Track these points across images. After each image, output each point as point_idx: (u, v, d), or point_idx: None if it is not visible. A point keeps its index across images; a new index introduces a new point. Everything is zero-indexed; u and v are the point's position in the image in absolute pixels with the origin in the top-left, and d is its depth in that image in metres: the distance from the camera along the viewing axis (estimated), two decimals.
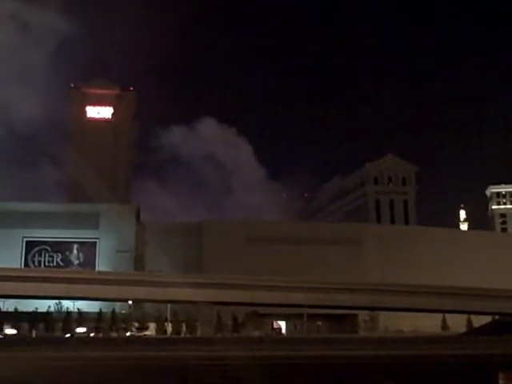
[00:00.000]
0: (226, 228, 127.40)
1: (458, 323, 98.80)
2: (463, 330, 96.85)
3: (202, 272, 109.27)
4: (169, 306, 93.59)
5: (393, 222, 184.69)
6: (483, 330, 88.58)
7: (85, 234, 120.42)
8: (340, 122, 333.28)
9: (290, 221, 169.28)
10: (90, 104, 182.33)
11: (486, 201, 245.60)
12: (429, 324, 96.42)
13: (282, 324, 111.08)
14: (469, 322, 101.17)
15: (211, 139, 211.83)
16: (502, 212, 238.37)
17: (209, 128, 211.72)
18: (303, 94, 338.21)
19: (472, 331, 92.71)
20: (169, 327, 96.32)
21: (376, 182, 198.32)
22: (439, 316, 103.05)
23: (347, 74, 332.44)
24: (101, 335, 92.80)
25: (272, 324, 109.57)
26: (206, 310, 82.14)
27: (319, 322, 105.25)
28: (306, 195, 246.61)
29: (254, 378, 35.16)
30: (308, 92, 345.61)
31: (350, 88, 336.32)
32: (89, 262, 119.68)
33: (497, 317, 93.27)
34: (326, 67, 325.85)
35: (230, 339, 69.85)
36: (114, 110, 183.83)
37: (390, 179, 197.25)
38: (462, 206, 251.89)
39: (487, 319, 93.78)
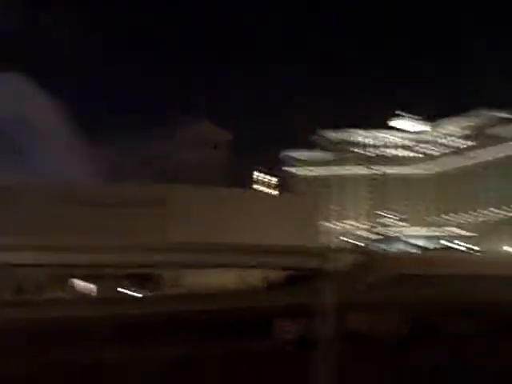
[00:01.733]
0: (40, 190, 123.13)
1: (254, 277, 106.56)
2: (259, 284, 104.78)
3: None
4: None
5: (201, 184, 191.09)
6: (277, 283, 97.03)
7: None
8: (153, 85, 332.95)
9: (102, 183, 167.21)
10: None
11: (283, 164, 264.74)
12: (228, 279, 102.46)
13: (89, 285, 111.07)
14: (264, 276, 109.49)
15: (20, 97, 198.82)
16: (298, 175, 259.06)
17: (19, 85, 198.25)
18: (113, 53, 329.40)
19: (266, 285, 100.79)
20: None
21: (188, 146, 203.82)
22: (239, 271, 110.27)
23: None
24: None
25: (74, 285, 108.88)
26: (5, 272, 79.83)
27: (127, 282, 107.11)
28: (120, 158, 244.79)
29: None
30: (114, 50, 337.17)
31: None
32: None
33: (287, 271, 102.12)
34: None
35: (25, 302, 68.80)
36: None
37: (201, 144, 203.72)
38: (262, 168, 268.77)
39: (280, 273, 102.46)
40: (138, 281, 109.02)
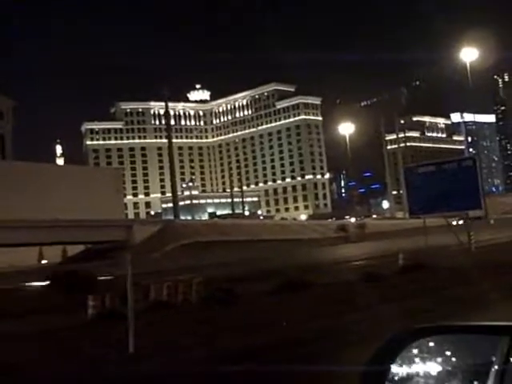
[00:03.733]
0: None
1: (54, 254, 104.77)
2: (59, 260, 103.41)
3: None
4: None
5: None
6: (77, 258, 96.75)
7: None
8: None
9: None
10: None
11: (81, 137, 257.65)
12: (26, 258, 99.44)
13: None
14: (64, 252, 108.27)
15: None
16: (95, 148, 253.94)
17: None
18: None
19: (67, 260, 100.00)
20: None
21: None
22: (37, 249, 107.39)
23: None
24: None
25: None
26: None
27: None
28: None
29: None
30: None
31: None
32: None
33: (90, 245, 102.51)
34: None
35: None
36: None
37: None
38: (59, 141, 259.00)
39: (81, 248, 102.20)
40: None
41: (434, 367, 2.81)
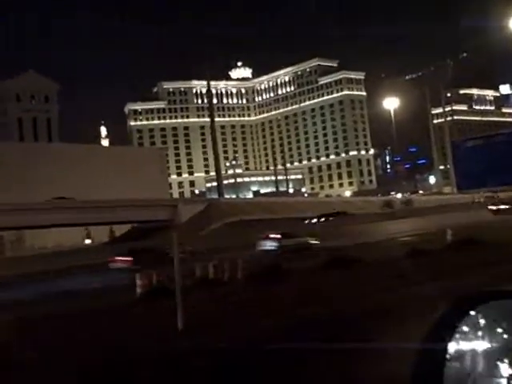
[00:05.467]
0: None
1: (101, 234, 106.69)
2: (106, 239, 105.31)
3: None
4: None
5: (36, 139, 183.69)
6: (123, 237, 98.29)
7: None
8: None
9: None
10: None
11: (125, 118, 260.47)
12: (72, 238, 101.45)
13: None
14: (111, 231, 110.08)
15: None
16: (138, 128, 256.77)
17: None
18: None
19: (114, 240, 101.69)
20: None
21: (18, 99, 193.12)
22: (83, 229, 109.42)
23: None
24: None
25: None
26: None
27: None
28: None
29: None
30: None
31: None
32: None
33: (136, 225, 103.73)
34: None
35: None
36: None
37: (32, 97, 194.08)
38: (103, 122, 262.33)
39: (127, 228, 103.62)
40: None
41: (500, 337, 2.46)
